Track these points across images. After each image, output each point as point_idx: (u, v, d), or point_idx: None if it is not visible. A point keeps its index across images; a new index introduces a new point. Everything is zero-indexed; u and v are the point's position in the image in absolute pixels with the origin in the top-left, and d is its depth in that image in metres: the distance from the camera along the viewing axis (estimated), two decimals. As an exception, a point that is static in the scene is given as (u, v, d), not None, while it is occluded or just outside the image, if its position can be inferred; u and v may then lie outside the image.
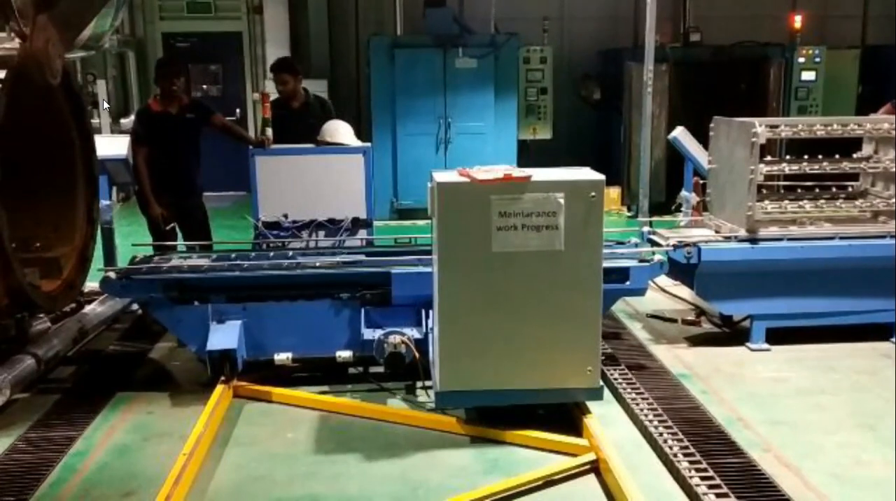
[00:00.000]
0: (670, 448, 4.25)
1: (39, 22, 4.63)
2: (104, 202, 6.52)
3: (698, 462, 4.09)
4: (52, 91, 5.44)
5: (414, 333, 5.05)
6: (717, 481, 3.89)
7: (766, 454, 4.29)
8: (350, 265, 5.31)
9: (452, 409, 4.60)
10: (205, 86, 13.03)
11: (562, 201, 4.12)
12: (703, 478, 3.92)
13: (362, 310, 5.16)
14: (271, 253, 5.67)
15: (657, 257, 5.40)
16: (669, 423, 4.54)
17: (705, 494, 3.78)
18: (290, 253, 5.72)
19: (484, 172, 4.20)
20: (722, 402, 4.98)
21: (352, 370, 5.42)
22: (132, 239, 8.48)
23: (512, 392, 4.35)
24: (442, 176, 4.28)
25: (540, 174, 4.25)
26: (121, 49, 12.18)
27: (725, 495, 3.77)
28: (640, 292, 5.49)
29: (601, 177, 4.24)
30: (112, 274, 5.19)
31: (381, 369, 5.15)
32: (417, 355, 4.93)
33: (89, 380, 5.42)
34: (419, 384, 5.13)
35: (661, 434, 4.41)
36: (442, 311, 4.27)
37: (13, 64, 4.78)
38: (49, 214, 5.99)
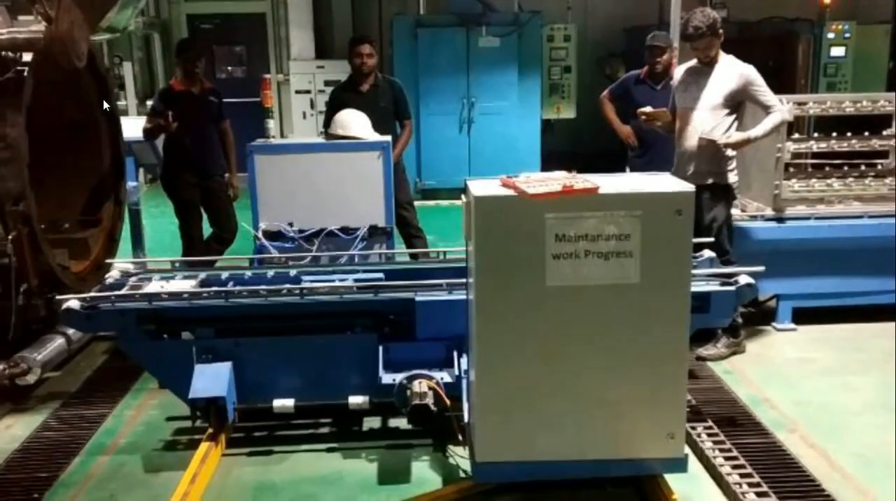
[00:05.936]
0: (693, 427, 4.23)
1: (64, 4, 4.65)
2: (131, 183, 6.57)
3: (722, 442, 4.09)
4: (78, 73, 5.48)
5: (444, 376, 4.06)
6: (742, 461, 3.88)
7: (791, 434, 4.27)
8: (364, 290, 4.25)
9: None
10: (229, 68, 13.05)
11: (638, 220, 3.24)
12: (726, 458, 3.91)
13: (380, 347, 4.16)
14: (271, 273, 4.63)
15: (744, 279, 4.15)
16: (693, 403, 4.53)
17: (729, 474, 3.77)
18: (294, 271, 4.64)
19: (534, 182, 3.28)
20: (748, 382, 4.96)
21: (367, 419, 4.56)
22: (159, 220, 8.62)
23: (571, 463, 3.47)
24: (479, 186, 3.34)
25: (608, 184, 3.31)
26: (146, 31, 12.24)
27: (749, 475, 3.76)
28: (723, 323, 4.71)
29: (689, 187, 3.32)
30: (75, 304, 4.11)
31: (403, 420, 4.24)
32: (448, 403, 3.97)
33: (117, 359, 5.49)
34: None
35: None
36: (481, 361, 3.39)
37: (39, 47, 4.83)
38: (76, 196, 6.07)
